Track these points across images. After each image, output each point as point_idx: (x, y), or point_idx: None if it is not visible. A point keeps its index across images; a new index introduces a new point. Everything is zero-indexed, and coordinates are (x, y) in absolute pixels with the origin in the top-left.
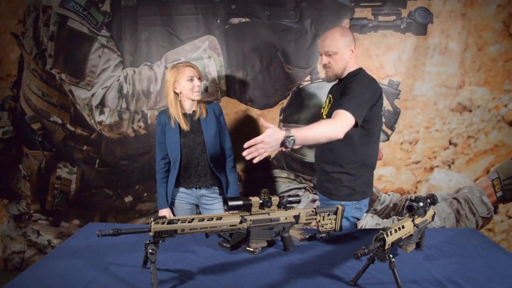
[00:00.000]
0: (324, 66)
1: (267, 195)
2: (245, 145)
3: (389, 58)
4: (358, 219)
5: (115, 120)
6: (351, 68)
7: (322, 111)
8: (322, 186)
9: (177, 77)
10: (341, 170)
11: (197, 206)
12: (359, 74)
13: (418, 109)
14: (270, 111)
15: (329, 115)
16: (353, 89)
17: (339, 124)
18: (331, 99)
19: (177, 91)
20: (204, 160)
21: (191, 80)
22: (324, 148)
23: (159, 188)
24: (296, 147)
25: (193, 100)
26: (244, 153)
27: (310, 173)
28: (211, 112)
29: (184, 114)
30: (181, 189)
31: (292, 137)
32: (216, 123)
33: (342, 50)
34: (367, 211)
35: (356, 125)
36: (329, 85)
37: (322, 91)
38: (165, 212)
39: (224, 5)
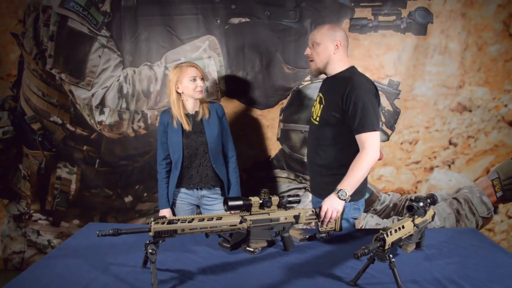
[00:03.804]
0: (307, 57)
1: (267, 195)
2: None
3: (389, 58)
4: (356, 219)
5: (115, 120)
6: (337, 65)
7: (313, 110)
8: (318, 188)
9: (179, 77)
10: (339, 171)
11: (198, 206)
12: (353, 76)
13: (418, 109)
14: (270, 111)
15: (322, 117)
16: (358, 103)
17: (371, 149)
18: (323, 99)
19: (179, 90)
20: (206, 161)
21: (194, 80)
22: (318, 151)
23: (160, 188)
24: None
25: (195, 100)
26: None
27: None
28: (214, 112)
29: (187, 115)
30: (182, 190)
31: (346, 194)
32: (218, 124)
33: (325, 42)
34: (367, 211)
35: None
36: None
37: None
38: (165, 212)
39: (224, 5)
